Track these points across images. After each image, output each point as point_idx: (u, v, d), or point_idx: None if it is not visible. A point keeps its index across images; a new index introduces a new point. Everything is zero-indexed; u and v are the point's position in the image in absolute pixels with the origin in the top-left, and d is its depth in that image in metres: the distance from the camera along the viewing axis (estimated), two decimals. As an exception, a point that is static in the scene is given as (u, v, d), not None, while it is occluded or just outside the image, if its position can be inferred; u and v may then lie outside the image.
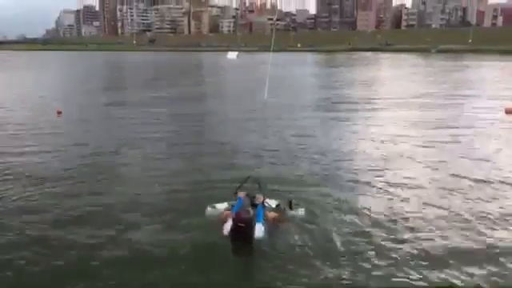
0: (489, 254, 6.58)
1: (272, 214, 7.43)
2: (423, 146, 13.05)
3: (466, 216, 7.88)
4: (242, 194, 7.64)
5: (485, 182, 9.70)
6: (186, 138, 14.90)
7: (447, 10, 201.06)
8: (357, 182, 9.81)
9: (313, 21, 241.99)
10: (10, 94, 28.16)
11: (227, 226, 6.70)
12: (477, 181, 9.75)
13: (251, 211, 6.73)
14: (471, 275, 6.07)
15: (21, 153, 12.65)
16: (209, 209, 7.87)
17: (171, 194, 9.08)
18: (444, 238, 7.11)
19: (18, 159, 11.99)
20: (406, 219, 7.78)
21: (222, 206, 7.74)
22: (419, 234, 7.24)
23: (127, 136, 14.99)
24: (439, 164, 11.18)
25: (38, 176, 10.36)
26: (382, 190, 9.23)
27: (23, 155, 12.39)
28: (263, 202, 7.46)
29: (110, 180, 10.14)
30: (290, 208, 7.82)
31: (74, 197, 9.01)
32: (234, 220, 6.58)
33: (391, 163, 11.21)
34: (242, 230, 6.49)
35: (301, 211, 7.80)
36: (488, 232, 7.29)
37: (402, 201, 8.66)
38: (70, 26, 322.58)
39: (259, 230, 6.67)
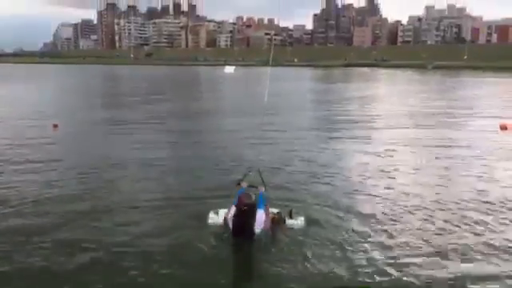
0: (483, 267, 6.56)
1: (272, 215, 7.61)
2: (420, 161, 13.11)
3: (463, 231, 7.84)
4: (244, 185, 7.79)
5: (480, 196, 9.66)
6: (183, 151, 14.84)
7: (442, 27, 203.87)
8: (355, 193, 9.84)
9: (309, 36, 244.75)
10: (5, 107, 28.04)
11: (231, 212, 6.94)
12: (472, 196, 9.70)
13: (253, 196, 6.90)
14: (470, 278, 6.13)
15: (15, 165, 12.50)
16: (211, 215, 7.91)
17: (170, 201, 9.06)
18: (441, 245, 7.13)
19: (12, 171, 11.92)
20: (403, 229, 7.80)
21: (224, 212, 7.76)
22: (416, 242, 7.25)
23: (126, 147, 14.94)
24: (435, 178, 11.20)
25: (33, 185, 10.29)
26: (379, 202, 9.24)
27: (17, 167, 12.26)
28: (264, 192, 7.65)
29: (109, 189, 10.09)
30: (290, 217, 7.85)
31: (73, 206, 8.90)
32: (236, 206, 6.78)
33: (388, 178, 11.16)
34: (245, 213, 6.68)
35: (300, 220, 7.82)
36: (483, 244, 7.26)
37: (399, 213, 8.64)
38: (67, 39, 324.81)
39: (260, 217, 6.91)
